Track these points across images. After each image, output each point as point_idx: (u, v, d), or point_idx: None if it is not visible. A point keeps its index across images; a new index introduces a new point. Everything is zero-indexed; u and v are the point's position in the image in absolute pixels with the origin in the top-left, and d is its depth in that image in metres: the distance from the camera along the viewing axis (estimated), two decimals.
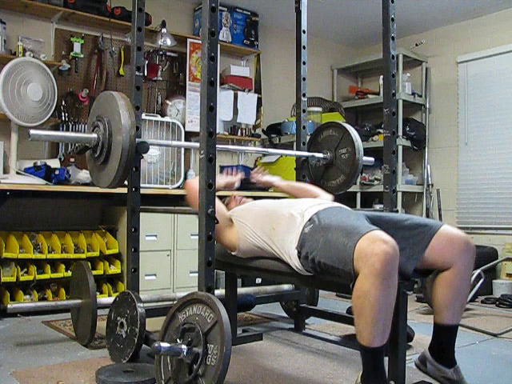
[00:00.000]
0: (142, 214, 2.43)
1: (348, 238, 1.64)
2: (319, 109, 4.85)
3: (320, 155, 2.94)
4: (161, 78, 4.31)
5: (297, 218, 1.92)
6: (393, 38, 2.51)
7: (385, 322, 1.59)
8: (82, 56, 3.86)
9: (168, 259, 3.67)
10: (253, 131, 4.72)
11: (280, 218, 2.01)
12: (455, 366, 1.89)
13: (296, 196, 2.62)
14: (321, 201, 2.12)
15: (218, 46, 1.92)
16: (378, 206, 4.70)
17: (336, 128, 2.94)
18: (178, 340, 1.71)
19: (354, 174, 2.87)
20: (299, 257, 1.84)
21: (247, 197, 2.56)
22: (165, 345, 1.67)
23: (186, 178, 4.00)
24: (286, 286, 3.18)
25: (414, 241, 1.86)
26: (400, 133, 4.75)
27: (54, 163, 3.48)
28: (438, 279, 1.88)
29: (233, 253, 2.19)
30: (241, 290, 3.04)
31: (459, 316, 1.90)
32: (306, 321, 2.97)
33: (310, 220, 1.87)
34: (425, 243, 1.84)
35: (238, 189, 4.08)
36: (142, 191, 2.46)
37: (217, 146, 1.85)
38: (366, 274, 1.55)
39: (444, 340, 1.90)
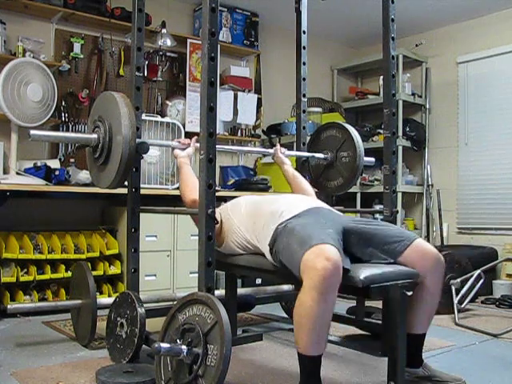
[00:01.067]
0: (141, 215, 2.43)
1: (300, 246, 1.71)
2: (319, 109, 4.85)
3: (320, 155, 2.94)
4: (161, 79, 4.31)
5: (275, 215, 1.97)
6: (393, 39, 2.52)
7: (320, 334, 1.66)
8: (81, 56, 3.86)
9: (168, 260, 3.67)
10: (253, 131, 4.72)
11: (262, 214, 2.06)
12: (423, 363, 1.97)
13: (291, 187, 2.71)
14: (305, 201, 2.13)
15: (218, 46, 1.92)
16: (378, 207, 4.70)
17: (339, 129, 2.92)
18: (177, 340, 1.71)
19: (352, 179, 2.88)
20: (271, 253, 1.91)
21: None
22: (165, 345, 1.67)
23: None
24: (285, 287, 3.18)
25: (388, 249, 1.90)
26: (400, 133, 4.75)
27: (54, 163, 3.48)
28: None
29: (218, 248, 2.19)
30: (241, 291, 3.04)
31: (428, 325, 2.00)
32: None
33: (286, 220, 1.92)
34: (397, 253, 1.89)
35: (238, 189, 4.10)
36: (142, 191, 2.46)
37: (217, 146, 1.86)
38: (306, 286, 1.63)
39: (413, 347, 1.95)
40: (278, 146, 2.84)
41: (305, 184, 2.69)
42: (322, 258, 1.61)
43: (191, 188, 2.17)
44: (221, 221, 2.20)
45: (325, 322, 1.66)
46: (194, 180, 2.22)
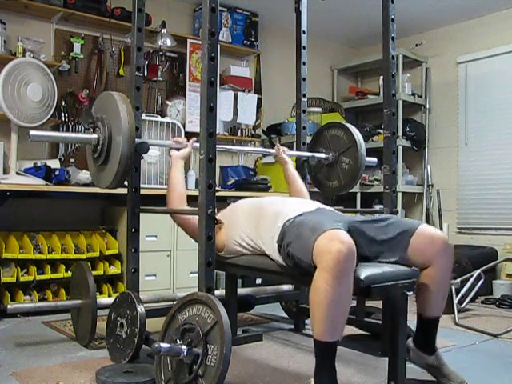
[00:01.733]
0: (142, 215, 2.43)
1: (312, 232, 1.71)
2: (319, 109, 4.85)
3: (322, 155, 2.93)
4: (161, 79, 4.31)
5: (280, 214, 1.97)
6: (393, 39, 2.52)
7: (335, 320, 1.64)
8: (81, 56, 3.86)
9: (168, 260, 3.67)
10: (253, 131, 4.72)
11: (265, 213, 2.06)
12: (436, 352, 1.99)
13: (289, 187, 2.78)
14: (309, 203, 2.16)
15: (218, 46, 1.92)
16: (378, 207, 4.70)
17: (346, 133, 2.89)
18: (177, 340, 1.71)
19: (349, 185, 2.91)
20: (279, 250, 1.90)
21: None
22: (165, 345, 1.67)
23: (186, 179, 3.99)
24: (285, 287, 3.17)
25: (396, 244, 1.91)
26: (400, 133, 4.75)
27: (54, 163, 3.48)
28: (421, 277, 1.93)
29: (220, 253, 2.19)
30: (241, 291, 3.04)
31: (441, 309, 1.99)
32: (306, 321, 2.97)
33: (294, 216, 1.93)
34: (405, 245, 1.90)
35: (238, 189, 4.10)
36: (142, 191, 2.47)
37: (217, 146, 1.86)
38: (320, 269, 1.62)
39: (427, 331, 1.98)
40: (279, 145, 2.87)
41: (302, 186, 2.76)
42: (336, 241, 1.61)
43: (174, 199, 2.34)
44: (220, 226, 2.20)
45: (341, 308, 1.63)
46: (180, 189, 2.35)
